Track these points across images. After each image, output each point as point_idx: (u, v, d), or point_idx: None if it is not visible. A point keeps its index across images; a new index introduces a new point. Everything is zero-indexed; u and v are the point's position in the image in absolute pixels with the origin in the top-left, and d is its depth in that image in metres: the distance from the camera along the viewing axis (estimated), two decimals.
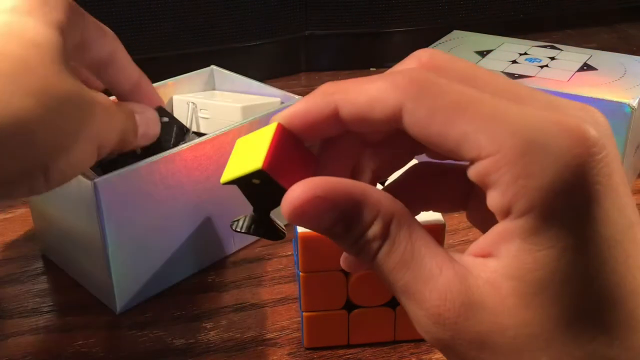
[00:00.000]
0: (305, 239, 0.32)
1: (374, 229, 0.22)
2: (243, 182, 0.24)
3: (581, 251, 0.20)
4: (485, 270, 0.21)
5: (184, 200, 0.38)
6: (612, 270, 0.21)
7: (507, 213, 0.20)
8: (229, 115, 0.44)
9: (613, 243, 0.21)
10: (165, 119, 0.38)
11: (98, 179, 0.34)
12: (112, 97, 0.37)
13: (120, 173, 0.35)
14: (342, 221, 0.22)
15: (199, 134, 0.45)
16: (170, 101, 0.46)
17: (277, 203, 0.22)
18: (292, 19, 0.66)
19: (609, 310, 0.21)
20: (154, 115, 0.37)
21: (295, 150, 0.24)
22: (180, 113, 0.46)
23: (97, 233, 0.35)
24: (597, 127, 0.20)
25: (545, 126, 0.20)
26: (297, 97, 0.43)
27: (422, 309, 0.21)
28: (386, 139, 0.24)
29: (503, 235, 0.21)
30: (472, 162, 0.20)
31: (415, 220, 0.22)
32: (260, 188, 0.24)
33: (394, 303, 0.34)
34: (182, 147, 0.38)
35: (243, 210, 0.42)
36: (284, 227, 0.26)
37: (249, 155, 0.23)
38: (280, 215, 0.23)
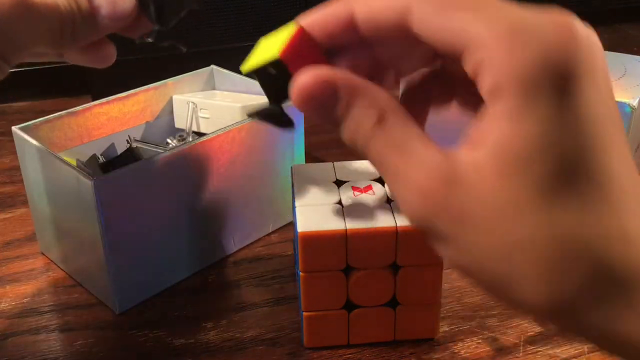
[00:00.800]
0: (306, 238, 0.32)
1: (372, 113, 0.23)
2: (262, 72, 0.26)
3: (563, 129, 0.22)
4: (472, 155, 0.22)
5: (183, 199, 0.38)
6: (592, 150, 0.22)
7: (495, 95, 0.22)
8: (229, 115, 0.44)
9: (594, 126, 0.22)
10: None
11: (97, 179, 0.34)
12: None
13: (120, 172, 0.35)
14: (343, 104, 0.24)
15: (199, 134, 0.45)
16: (170, 101, 0.46)
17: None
18: (292, 19, 0.66)
19: (585, 188, 0.22)
20: None
21: (312, 50, 0.25)
22: (181, 113, 0.46)
23: (96, 233, 0.35)
24: (586, 28, 0.22)
25: (535, 17, 0.22)
26: None
27: (409, 189, 0.23)
28: (397, 54, 0.26)
29: (491, 121, 0.22)
30: (469, 52, 0.22)
31: (410, 115, 0.24)
32: (277, 79, 0.26)
33: (394, 303, 0.34)
34: (182, 146, 0.38)
35: (243, 209, 0.41)
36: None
37: (269, 49, 0.26)
38: None
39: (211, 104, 0.44)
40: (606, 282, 0.22)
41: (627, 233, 0.22)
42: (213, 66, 0.48)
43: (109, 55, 0.32)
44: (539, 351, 0.35)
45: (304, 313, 0.34)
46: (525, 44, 0.21)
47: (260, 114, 0.28)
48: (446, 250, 0.24)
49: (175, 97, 0.46)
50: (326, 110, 0.24)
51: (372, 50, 0.26)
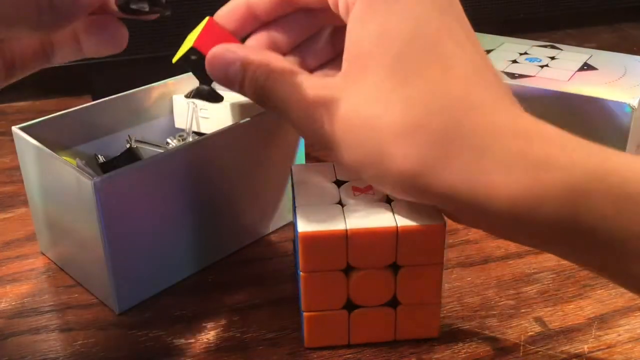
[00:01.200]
0: (306, 238, 0.32)
1: (261, 71, 0.33)
2: (186, 60, 0.34)
3: (396, 26, 0.29)
4: (342, 65, 0.31)
5: (184, 199, 0.38)
6: (427, 39, 0.29)
7: (348, 11, 0.30)
8: (229, 115, 0.44)
9: (426, 21, 0.29)
10: None
11: (97, 179, 0.34)
12: None
13: (120, 172, 0.35)
14: (238, 67, 0.33)
15: (200, 134, 0.45)
16: (171, 100, 0.46)
17: None
18: None
19: (428, 70, 0.28)
20: None
21: (221, 36, 0.34)
22: (181, 113, 0.46)
23: (96, 233, 0.35)
24: None
25: None
26: None
27: (298, 108, 0.32)
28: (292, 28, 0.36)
29: (347, 31, 0.30)
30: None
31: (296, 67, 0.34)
32: (197, 63, 0.34)
33: (394, 303, 0.34)
34: (182, 146, 0.37)
35: (243, 209, 0.42)
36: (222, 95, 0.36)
37: (189, 40, 0.34)
38: None
39: (211, 104, 0.44)
40: (456, 141, 0.27)
41: (472, 102, 0.28)
42: None
43: (120, 37, 0.31)
44: (539, 351, 0.35)
45: (305, 313, 0.34)
46: None
47: (194, 94, 0.35)
48: (335, 151, 0.31)
49: (175, 97, 0.46)
50: (228, 74, 0.33)
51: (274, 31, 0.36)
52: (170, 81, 0.46)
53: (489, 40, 0.54)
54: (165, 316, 0.38)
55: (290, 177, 0.36)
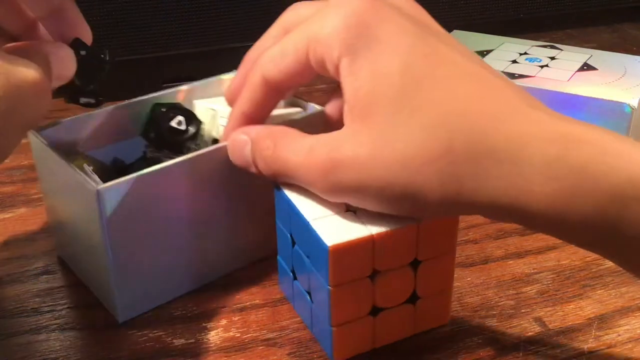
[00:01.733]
0: (337, 251, 0.31)
1: (267, 146, 0.34)
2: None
3: (381, 79, 0.29)
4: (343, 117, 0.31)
5: (192, 209, 0.37)
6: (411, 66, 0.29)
7: (338, 66, 0.30)
8: None
9: (411, 65, 0.29)
10: (83, 52, 0.35)
11: (102, 187, 0.33)
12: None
13: (126, 180, 0.34)
14: (248, 150, 0.35)
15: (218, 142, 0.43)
16: (191, 105, 0.44)
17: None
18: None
19: (428, 106, 0.28)
20: (69, 53, 0.33)
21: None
22: (202, 118, 0.44)
23: (100, 240, 0.35)
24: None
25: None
26: (319, 107, 0.41)
27: (311, 171, 0.31)
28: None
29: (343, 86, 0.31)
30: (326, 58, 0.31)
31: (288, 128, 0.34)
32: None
33: (414, 298, 0.34)
34: (193, 154, 0.36)
35: (256, 221, 0.40)
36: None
37: None
38: None
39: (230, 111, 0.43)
40: (488, 155, 0.27)
41: (491, 113, 0.28)
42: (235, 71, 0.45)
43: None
44: (539, 351, 0.35)
45: (334, 329, 0.33)
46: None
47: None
48: (358, 200, 0.31)
49: (196, 101, 0.44)
50: (243, 158, 0.35)
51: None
52: (194, 85, 0.44)
53: (489, 40, 0.54)
54: (165, 316, 0.38)
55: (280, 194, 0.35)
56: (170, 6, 0.62)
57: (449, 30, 0.56)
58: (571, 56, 0.51)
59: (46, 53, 0.31)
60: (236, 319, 0.37)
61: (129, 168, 0.41)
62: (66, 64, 0.33)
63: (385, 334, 0.35)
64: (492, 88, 0.29)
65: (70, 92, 0.36)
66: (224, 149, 0.37)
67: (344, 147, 0.30)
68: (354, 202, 0.31)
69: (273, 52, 0.33)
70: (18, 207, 0.47)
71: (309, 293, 0.35)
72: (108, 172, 0.40)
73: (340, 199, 0.31)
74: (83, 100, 0.37)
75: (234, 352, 0.35)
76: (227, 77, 0.45)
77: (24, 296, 0.39)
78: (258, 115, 0.35)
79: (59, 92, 0.34)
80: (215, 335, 0.36)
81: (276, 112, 0.39)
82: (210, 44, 0.64)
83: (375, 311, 0.34)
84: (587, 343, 0.36)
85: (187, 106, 0.43)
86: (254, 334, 0.36)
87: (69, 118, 0.39)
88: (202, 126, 0.42)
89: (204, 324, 0.37)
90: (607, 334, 0.36)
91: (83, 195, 0.34)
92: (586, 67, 0.49)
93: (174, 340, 0.36)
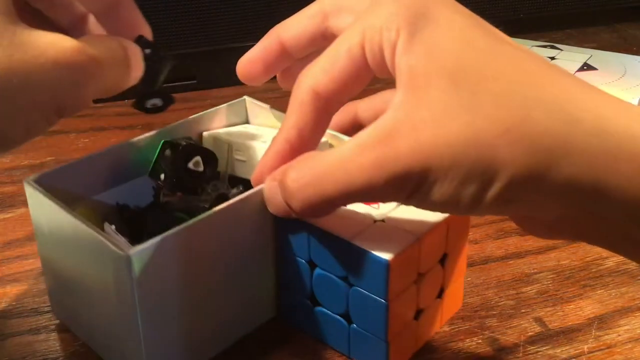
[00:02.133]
0: (395, 263, 0.30)
1: (293, 179, 0.30)
2: None
3: (441, 53, 0.26)
4: (394, 96, 0.28)
5: (221, 267, 0.33)
6: (469, 60, 0.26)
7: (394, 44, 0.27)
8: None
9: (468, 43, 0.27)
10: (148, 51, 0.32)
11: (133, 251, 0.29)
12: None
13: (155, 243, 0.30)
14: (280, 196, 0.31)
15: (235, 179, 0.39)
16: (200, 138, 0.40)
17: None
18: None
19: (483, 85, 0.26)
20: (138, 51, 0.31)
21: None
22: (214, 151, 0.39)
23: (129, 310, 0.30)
24: None
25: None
26: (344, 137, 0.37)
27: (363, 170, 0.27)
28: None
29: (397, 58, 0.28)
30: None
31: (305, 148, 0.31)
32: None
33: (441, 292, 0.35)
34: (221, 207, 0.32)
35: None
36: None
37: None
38: None
39: (246, 145, 0.38)
40: (571, 132, 0.24)
41: (568, 92, 0.25)
42: (246, 97, 0.42)
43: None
44: (539, 351, 0.35)
45: (391, 345, 0.32)
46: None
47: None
48: (418, 190, 0.27)
49: (205, 134, 0.40)
50: (279, 207, 0.31)
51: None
52: (202, 115, 0.40)
53: None
54: None
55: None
56: (170, 6, 0.62)
57: None
58: (571, 56, 0.51)
59: (124, 45, 0.29)
60: None
61: (140, 216, 0.37)
62: (138, 62, 0.31)
63: (423, 333, 0.35)
64: (555, 69, 0.27)
65: (137, 96, 0.33)
66: (252, 198, 0.32)
67: (400, 130, 0.26)
68: (415, 194, 0.27)
69: (321, 61, 0.29)
70: (18, 207, 0.47)
71: (344, 316, 0.33)
72: (117, 220, 0.36)
73: (401, 193, 0.27)
74: (150, 103, 0.33)
75: (234, 352, 0.35)
76: (237, 101, 0.42)
77: (24, 296, 0.39)
78: (308, 143, 0.30)
79: (121, 97, 0.30)
80: None
81: None
82: (210, 44, 0.64)
83: (417, 314, 0.34)
84: (587, 343, 0.36)
85: (195, 139, 0.39)
86: (254, 334, 0.36)
87: (66, 165, 0.35)
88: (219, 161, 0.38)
89: None
90: (607, 334, 0.36)
91: (105, 259, 0.30)
92: (586, 67, 0.49)
93: None
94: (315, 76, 0.29)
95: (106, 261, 0.30)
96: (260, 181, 0.32)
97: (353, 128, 0.37)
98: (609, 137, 0.24)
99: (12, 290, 0.39)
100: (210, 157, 0.37)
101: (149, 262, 0.29)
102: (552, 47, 0.54)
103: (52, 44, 0.25)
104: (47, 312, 0.38)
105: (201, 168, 0.36)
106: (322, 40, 0.33)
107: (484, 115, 0.25)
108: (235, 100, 0.41)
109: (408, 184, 0.26)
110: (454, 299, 0.36)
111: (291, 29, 0.33)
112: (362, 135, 0.27)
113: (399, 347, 0.33)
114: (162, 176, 0.36)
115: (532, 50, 0.28)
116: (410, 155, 0.26)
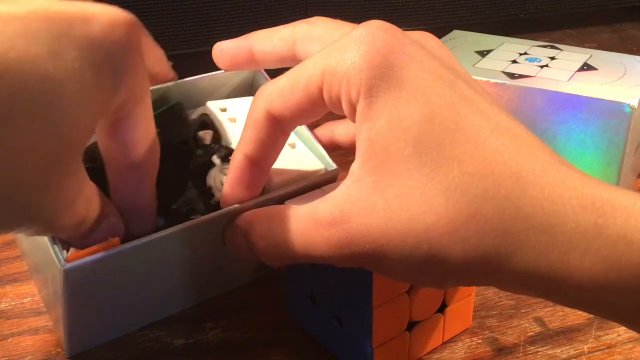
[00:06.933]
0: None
1: (258, 235, 0.31)
2: None
3: (400, 124, 0.26)
4: (353, 167, 0.28)
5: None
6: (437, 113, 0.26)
7: (354, 108, 0.27)
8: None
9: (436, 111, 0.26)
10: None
11: (68, 266, 0.29)
12: None
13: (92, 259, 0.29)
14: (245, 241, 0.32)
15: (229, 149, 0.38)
16: (205, 109, 0.40)
17: None
18: (292, 18, 0.66)
19: (448, 152, 0.26)
20: (162, 54, 0.34)
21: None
22: (213, 120, 0.39)
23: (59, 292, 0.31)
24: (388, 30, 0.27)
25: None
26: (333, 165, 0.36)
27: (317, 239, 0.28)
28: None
29: (356, 128, 0.27)
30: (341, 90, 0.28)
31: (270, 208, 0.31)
32: None
33: (443, 307, 0.34)
34: (175, 228, 0.31)
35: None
36: None
37: None
38: None
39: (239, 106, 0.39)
40: (519, 224, 0.24)
41: (521, 175, 0.25)
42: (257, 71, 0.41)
43: None
44: (539, 351, 0.35)
45: (375, 350, 0.32)
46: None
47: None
48: (378, 270, 0.28)
49: (209, 103, 0.40)
50: (242, 254, 0.32)
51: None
52: (205, 76, 0.40)
53: (489, 40, 0.54)
54: (165, 316, 0.37)
55: None
56: (170, 6, 0.62)
57: (449, 30, 0.56)
58: (571, 56, 0.51)
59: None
60: (236, 319, 0.37)
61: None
62: (165, 65, 0.33)
63: (419, 347, 0.34)
64: (521, 143, 0.26)
65: None
66: (216, 221, 0.32)
67: (352, 213, 0.27)
68: (375, 270, 0.29)
69: (280, 84, 0.29)
70: None
71: (336, 318, 0.33)
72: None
73: (359, 266, 0.28)
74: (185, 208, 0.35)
75: (234, 352, 0.35)
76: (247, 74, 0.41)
77: (24, 296, 0.39)
78: (264, 159, 0.31)
79: None
80: (215, 335, 0.36)
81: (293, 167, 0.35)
82: (211, 44, 0.64)
83: (410, 326, 0.33)
84: (587, 343, 0.36)
85: (200, 108, 0.39)
86: (254, 334, 0.36)
87: None
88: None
89: (204, 324, 0.37)
90: (607, 334, 0.36)
91: (51, 265, 0.30)
92: (586, 67, 0.49)
93: (174, 341, 0.36)
94: (271, 100, 0.29)
95: (52, 266, 0.30)
96: (229, 204, 0.32)
97: (331, 146, 0.36)
98: (559, 235, 0.24)
99: (12, 290, 0.39)
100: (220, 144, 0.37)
101: (83, 277, 0.30)
102: (552, 47, 0.54)
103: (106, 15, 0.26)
104: (47, 312, 0.38)
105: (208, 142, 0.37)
106: (291, 61, 0.33)
107: (435, 211, 0.25)
108: (246, 72, 0.41)
109: (365, 264, 0.27)
110: (461, 317, 0.36)
111: (263, 45, 0.34)
112: (319, 209, 0.28)
113: (386, 356, 0.33)
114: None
115: (500, 113, 0.27)
116: (363, 241, 0.26)
